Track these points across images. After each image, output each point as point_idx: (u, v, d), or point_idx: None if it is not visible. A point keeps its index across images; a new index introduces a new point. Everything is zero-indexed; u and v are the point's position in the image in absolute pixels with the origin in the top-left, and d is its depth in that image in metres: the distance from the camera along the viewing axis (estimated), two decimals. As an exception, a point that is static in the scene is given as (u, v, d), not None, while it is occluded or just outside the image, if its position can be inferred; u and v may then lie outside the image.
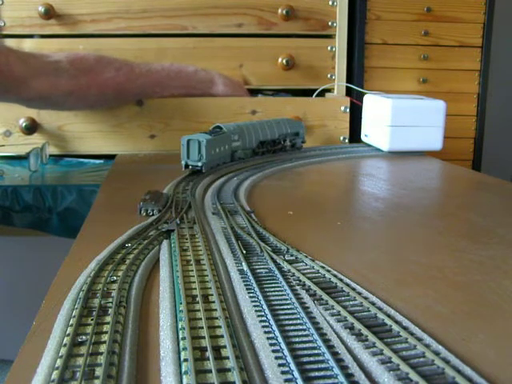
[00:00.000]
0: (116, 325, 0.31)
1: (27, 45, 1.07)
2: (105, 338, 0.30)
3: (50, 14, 1.06)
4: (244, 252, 0.44)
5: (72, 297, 0.35)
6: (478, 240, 0.52)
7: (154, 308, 0.36)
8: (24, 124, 0.98)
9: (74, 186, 0.83)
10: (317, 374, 0.27)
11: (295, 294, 0.36)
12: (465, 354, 0.30)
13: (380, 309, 0.35)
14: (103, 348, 0.29)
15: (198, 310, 0.33)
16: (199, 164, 0.72)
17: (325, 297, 0.36)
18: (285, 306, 0.35)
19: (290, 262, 0.42)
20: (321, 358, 0.29)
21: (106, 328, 0.31)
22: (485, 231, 0.55)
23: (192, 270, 0.40)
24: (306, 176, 0.83)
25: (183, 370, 0.28)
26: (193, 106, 1.01)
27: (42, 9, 1.05)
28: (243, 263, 0.42)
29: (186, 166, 0.73)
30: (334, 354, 0.29)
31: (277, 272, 0.40)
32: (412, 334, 0.32)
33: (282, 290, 0.37)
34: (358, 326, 0.32)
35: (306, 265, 0.42)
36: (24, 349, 0.31)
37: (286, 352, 0.29)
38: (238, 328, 0.32)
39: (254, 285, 0.38)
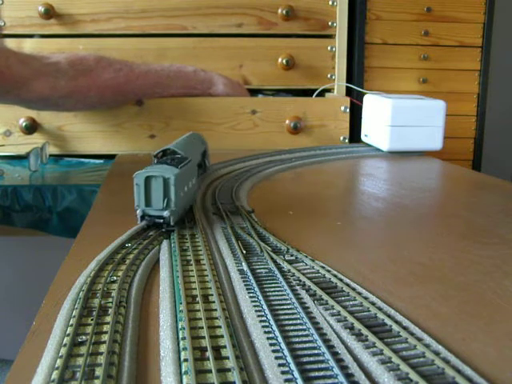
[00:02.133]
0: (116, 325, 0.31)
1: (27, 45, 1.07)
2: (105, 338, 0.30)
3: (50, 13, 1.06)
4: (244, 252, 0.44)
5: (72, 297, 0.35)
6: (478, 240, 0.52)
7: (154, 308, 0.36)
8: (24, 124, 0.98)
9: (74, 186, 0.83)
10: (317, 374, 0.27)
11: (295, 294, 0.36)
12: (465, 354, 0.30)
13: (380, 309, 0.35)
14: (103, 348, 0.29)
15: (198, 310, 0.33)
16: (165, 214, 0.48)
17: (325, 297, 0.36)
18: (285, 306, 0.35)
19: (290, 262, 0.42)
20: (321, 357, 0.29)
21: (106, 328, 0.31)
22: (485, 231, 0.55)
23: (192, 270, 0.40)
24: (306, 176, 0.83)
25: (183, 370, 0.28)
26: (193, 106, 1.01)
27: (41, 9, 1.05)
28: (243, 263, 0.42)
29: (143, 217, 0.49)
30: (334, 354, 0.29)
31: (277, 272, 0.40)
32: (412, 333, 0.32)
33: (282, 290, 0.37)
34: (358, 326, 0.32)
35: (306, 265, 0.42)
36: (24, 349, 0.31)
37: (286, 352, 0.29)
38: (238, 328, 0.32)
39: (254, 285, 0.38)
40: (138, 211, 0.49)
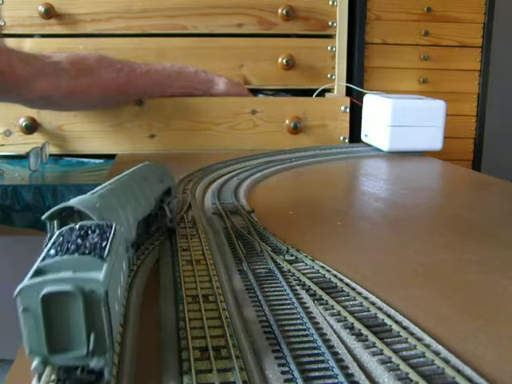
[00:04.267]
0: (116, 325, 0.31)
1: (27, 44, 1.07)
2: (105, 337, 0.30)
3: (50, 13, 1.06)
4: (244, 252, 0.44)
5: (72, 297, 0.35)
6: (478, 240, 0.52)
7: (154, 308, 0.36)
8: (24, 123, 0.98)
9: (74, 186, 0.83)
10: (317, 374, 0.27)
11: (295, 294, 0.36)
12: (465, 354, 0.30)
13: (380, 309, 0.35)
14: (103, 348, 0.29)
15: (198, 310, 0.33)
16: (93, 364, 0.24)
17: (325, 297, 0.36)
18: (285, 306, 0.35)
19: (290, 262, 0.42)
20: (321, 358, 0.29)
21: (106, 328, 0.31)
22: (485, 231, 0.55)
23: (192, 270, 0.40)
24: (306, 176, 0.83)
25: (183, 370, 0.28)
26: (193, 106, 1.01)
27: (42, 8, 1.05)
28: (243, 263, 0.42)
29: (42, 375, 0.24)
30: (334, 354, 0.29)
31: (277, 272, 0.40)
32: (412, 333, 0.32)
33: (282, 290, 0.37)
34: (358, 325, 0.32)
35: (306, 265, 0.42)
36: (24, 349, 0.31)
37: (285, 352, 0.29)
38: (237, 328, 0.32)
39: (254, 285, 0.38)
40: (34, 363, 0.24)
